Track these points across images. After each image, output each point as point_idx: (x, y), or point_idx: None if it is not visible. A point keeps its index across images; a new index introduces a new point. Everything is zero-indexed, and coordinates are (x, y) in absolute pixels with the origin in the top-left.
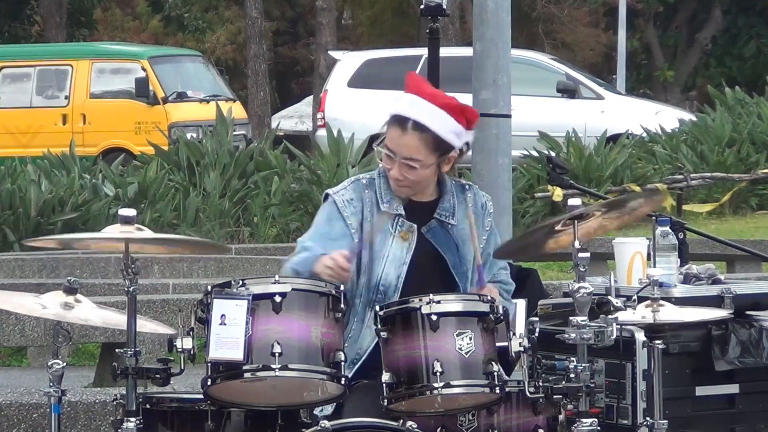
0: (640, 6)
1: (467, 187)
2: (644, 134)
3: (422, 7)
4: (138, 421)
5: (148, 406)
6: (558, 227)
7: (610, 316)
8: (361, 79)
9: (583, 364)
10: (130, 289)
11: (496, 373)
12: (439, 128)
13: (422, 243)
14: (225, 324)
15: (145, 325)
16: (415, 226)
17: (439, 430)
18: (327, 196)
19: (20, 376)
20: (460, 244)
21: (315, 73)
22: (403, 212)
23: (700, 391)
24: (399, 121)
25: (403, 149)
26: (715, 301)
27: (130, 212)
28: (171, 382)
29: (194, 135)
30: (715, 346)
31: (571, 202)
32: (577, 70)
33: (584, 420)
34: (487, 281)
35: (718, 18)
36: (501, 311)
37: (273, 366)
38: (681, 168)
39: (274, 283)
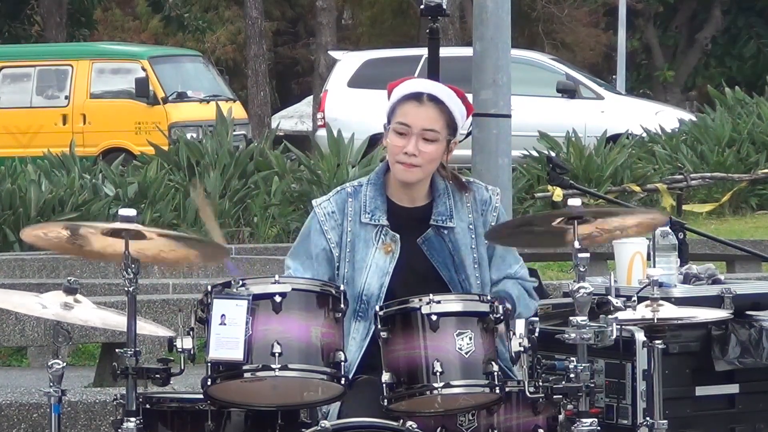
0: (640, 6)
1: (467, 183)
2: (644, 134)
3: (422, 7)
4: (138, 421)
5: (148, 406)
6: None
7: (610, 316)
8: (361, 79)
9: (583, 364)
10: (130, 289)
11: (496, 373)
12: (451, 105)
13: (416, 254)
14: (225, 324)
15: (144, 327)
16: (398, 236)
17: (439, 430)
18: (312, 207)
19: (20, 376)
20: (456, 252)
21: (315, 73)
22: (386, 222)
23: (700, 391)
24: (414, 96)
25: (422, 120)
26: (715, 301)
27: (130, 212)
28: (171, 382)
29: (194, 135)
30: (715, 346)
31: (571, 202)
32: (577, 70)
33: (584, 420)
34: (504, 278)
35: (718, 18)
36: (501, 311)
37: (273, 366)
38: (681, 168)
39: (274, 283)
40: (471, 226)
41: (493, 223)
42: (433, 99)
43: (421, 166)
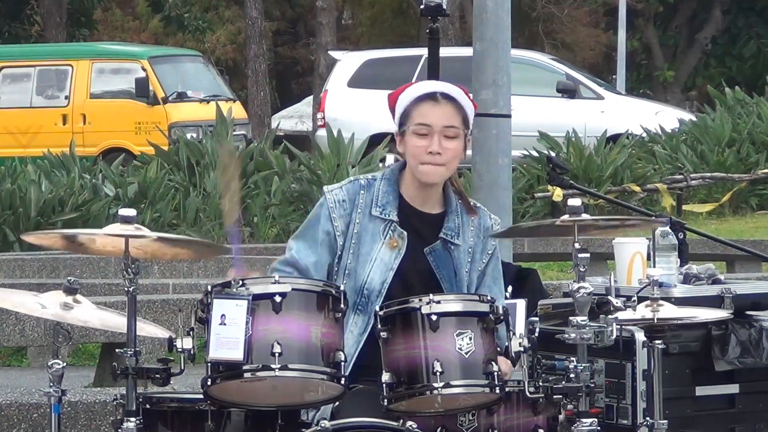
0: (640, 6)
1: (474, 208)
2: (644, 134)
3: (422, 7)
4: (138, 421)
5: (148, 406)
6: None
7: (610, 316)
8: (361, 79)
9: (583, 364)
10: (130, 289)
11: (496, 373)
12: (463, 101)
13: (421, 260)
14: (225, 324)
15: (143, 329)
16: (405, 233)
17: (439, 430)
18: (323, 193)
19: (20, 376)
20: (458, 269)
21: (315, 73)
22: (396, 218)
23: (700, 391)
24: (428, 96)
25: (441, 118)
26: (715, 301)
27: (130, 212)
28: (171, 382)
29: (194, 135)
30: (715, 346)
31: (571, 202)
32: (577, 70)
33: (584, 420)
34: None
35: (718, 18)
36: (501, 311)
37: (273, 366)
38: (681, 168)
39: (274, 283)
40: (470, 250)
41: (490, 252)
42: (447, 97)
43: (446, 164)
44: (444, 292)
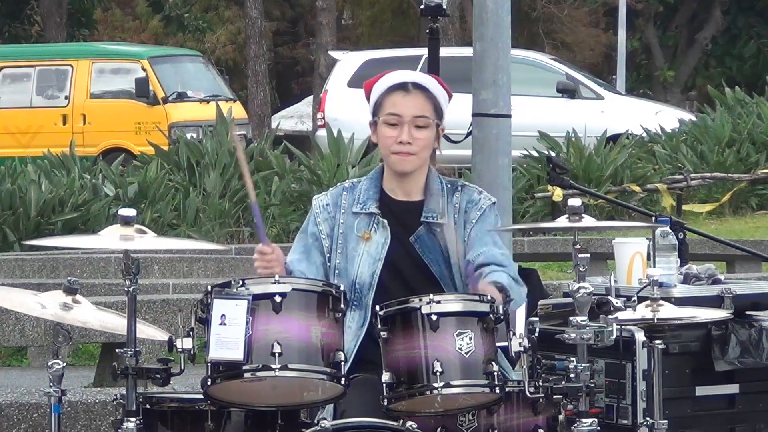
0: (640, 6)
1: (460, 187)
2: (644, 134)
3: (422, 7)
4: (138, 421)
5: (148, 406)
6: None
7: (610, 316)
8: (362, 79)
9: (583, 364)
10: (130, 289)
11: (496, 373)
12: (435, 90)
13: (408, 249)
14: (225, 324)
15: (143, 331)
16: (386, 221)
17: (439, 430)
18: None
19: (20, 376)
20: (446, 249)
21: (315, 73)
22: (377, 211)
23: (700, 391)
24: (399, 86)
25: (411, 108)
26: (715, 301)
27: (130, 212)
28: (171, 382)
29: (194, 135)
30: (715, 346)
31: (571, 202)
32: (577, 70)
33: (584, 420)
34: (482, 262)
35: (718, 18)
36: (501, 311)
37: (273, 366)
38: (681, 168)
39: (274, 283)
40: (456, 224)
41: (474, 221)
42: (419, 86)
43: (417, 154)
44: (434, 276)
